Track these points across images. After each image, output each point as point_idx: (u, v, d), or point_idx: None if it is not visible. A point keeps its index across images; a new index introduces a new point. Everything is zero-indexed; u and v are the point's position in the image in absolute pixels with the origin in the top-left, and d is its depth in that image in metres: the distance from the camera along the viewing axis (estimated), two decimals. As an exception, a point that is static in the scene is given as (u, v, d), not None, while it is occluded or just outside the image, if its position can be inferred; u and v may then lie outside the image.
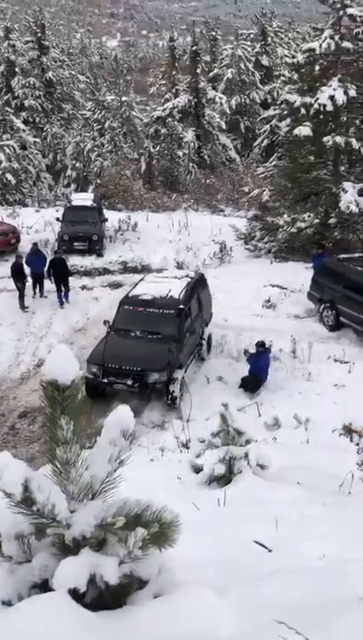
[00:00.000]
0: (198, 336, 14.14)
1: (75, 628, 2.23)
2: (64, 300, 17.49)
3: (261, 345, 13.30)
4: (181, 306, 13.25)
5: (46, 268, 17.58)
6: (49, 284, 17.69)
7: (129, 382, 12.27)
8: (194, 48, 39.48)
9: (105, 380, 12.38)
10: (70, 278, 17.92)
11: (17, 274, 17.26)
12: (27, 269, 17.60)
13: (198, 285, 14.76)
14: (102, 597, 2.45)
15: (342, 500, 6.40)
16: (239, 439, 7.58)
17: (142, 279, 15.10)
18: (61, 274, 17.33)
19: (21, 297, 17.31)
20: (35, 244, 18.88)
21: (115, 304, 18.04)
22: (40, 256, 18.00)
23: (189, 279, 14.58)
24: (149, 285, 14.23)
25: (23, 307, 17.32)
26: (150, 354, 12.38)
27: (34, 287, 17.88)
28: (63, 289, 17.44)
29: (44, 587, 2.48)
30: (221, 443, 7.57)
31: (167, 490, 6.76)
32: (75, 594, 2.34)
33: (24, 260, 17.61)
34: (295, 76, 22.82)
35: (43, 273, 17.69)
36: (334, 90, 19.52)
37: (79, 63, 64.48)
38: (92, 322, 17.01)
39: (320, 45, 20.31)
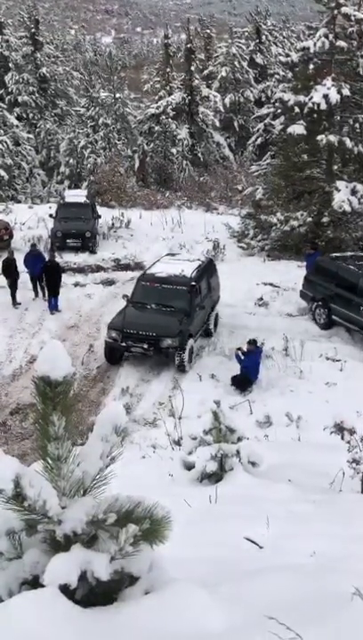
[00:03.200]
0: (207, 312, 15.51)
1: (65, 625, 2.23)
2: (53, 306, 16.93)
3: (251, 343, 13.34)
4: (193, 283, 14.64)
5: (39, 272, 17.16)
6: None
7: (145, 346, 13.77)
8: (188, 45, 39.41)
9: (123, 344, 13.89)
10: (63, 275, 17.78)
11: (7, 270, 17.15)
12: (24, 269, 17.45)
13: (208, 268, 16.09)
14: (93, 594, 2.44)
15: (333, 498, 6.42)
16: (231, 436, 7.59)
17: (158, 260, 16.40)
18: (53, 278, 16.81)
19: (13, 294, 17.22)
20: (33, 245, 18.74)
21: (108, 301, 18.11)
22: (39, 257, 17.68)
23: (200, 262, 15.95)
24: (164, 265, 15.60)
25: (15, 303, 17.25)
26: (164, 322, 13.88)
27: (34, 289, 17.53)
28: (53, 295, 16.87)
29: (34, 583, 2.47)
30: (212, 440, 7.58)
31: (159, 487, 6.76)
32: (65, 590, 2.34)
33: (22, 261, 17.43)
34: (290, 75, 22.89)
35: (42, 275, 17.25)
36: (328, 89, 19.55)
37: (73, 59, 64.26)
38: (85, 319, 16.99)
39: (315, 44, 20.34)
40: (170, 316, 14.08)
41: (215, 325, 15.96)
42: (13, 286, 17.16)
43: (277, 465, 7.81)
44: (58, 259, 20.20)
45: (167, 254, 17.28)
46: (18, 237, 22.09)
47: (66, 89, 44.89)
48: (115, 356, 14.34)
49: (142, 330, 13.78)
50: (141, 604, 2.41)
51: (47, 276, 16.85)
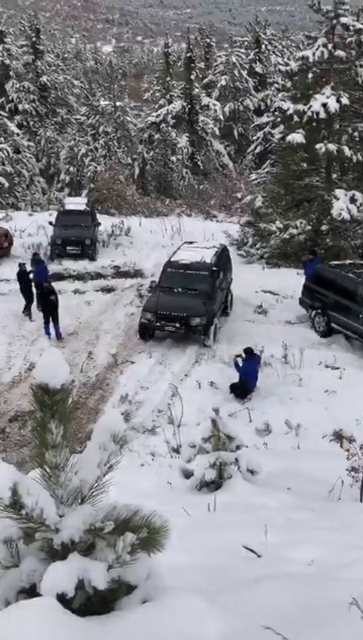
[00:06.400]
0: (224, 293, 17.23)
1: (62, 634, 2.22)
2: (55, 336, 15.87)
3: (247, 352, 13.32)
4: (214, 268, 16.34)
5: (35, 300, 16.70)
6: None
7: (177, 325, 15.37)
8: (188, 54, 39.65)
9: (158, 324, 15.55)
10: (63, 282, 17.64)
11: (20, 280, 16.88)
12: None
13: (223, 254, 17.78)
14: (90, 602, 2.44)
15: (332, 506, 6.41)
16: (230, 444, 7.58)
17: (179, 248, 18.01)
18: (50, 305, 15.77)
19: (28, 304, 16.80)
20: (35, 254, 18.45)
21: (107, 308, 18.13)
22: (41, 264, 17.52)
23: (216, 249, 17.56)
24: (186, 253, 17.22)
25: (28, 314, 16.90)
26: (192, 304, 15.48)
27: (36, 296, 16.85)
28: (52, 322, 15.85)
29: (31, 592, 2.46)
30: (211, 448, 7.57)
31: (157, 495, 6.75)
32: (63, 599, 2.33)
33: (27, 268, 17.11)
34: (289, 84, 22.95)
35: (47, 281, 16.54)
36: (327, 98, 19.63)
37: (74, 68, 64.56)
38: (84, 326, 16.98)
39: (314, 54, 20.42)
40: (195, 298, 15.61)
41: (231, 304, 17.64)
42: (27, 295, 16.74)
43: (276, 473, 7.81)
44: (57, 265, 20.28)
45: (185, 242, 18.82)
46: (17, 244, 22.12)
47: (66, 97, 45.12)
48: (147, 333, 15.94)
49: (174, 311, 15.40)
50: (139, 612, 2.40)
51: (44, 302, 16.00)
